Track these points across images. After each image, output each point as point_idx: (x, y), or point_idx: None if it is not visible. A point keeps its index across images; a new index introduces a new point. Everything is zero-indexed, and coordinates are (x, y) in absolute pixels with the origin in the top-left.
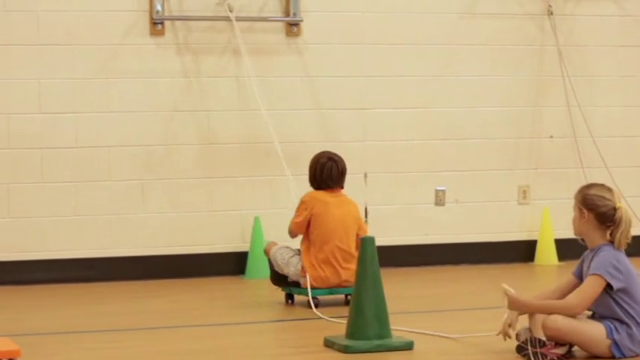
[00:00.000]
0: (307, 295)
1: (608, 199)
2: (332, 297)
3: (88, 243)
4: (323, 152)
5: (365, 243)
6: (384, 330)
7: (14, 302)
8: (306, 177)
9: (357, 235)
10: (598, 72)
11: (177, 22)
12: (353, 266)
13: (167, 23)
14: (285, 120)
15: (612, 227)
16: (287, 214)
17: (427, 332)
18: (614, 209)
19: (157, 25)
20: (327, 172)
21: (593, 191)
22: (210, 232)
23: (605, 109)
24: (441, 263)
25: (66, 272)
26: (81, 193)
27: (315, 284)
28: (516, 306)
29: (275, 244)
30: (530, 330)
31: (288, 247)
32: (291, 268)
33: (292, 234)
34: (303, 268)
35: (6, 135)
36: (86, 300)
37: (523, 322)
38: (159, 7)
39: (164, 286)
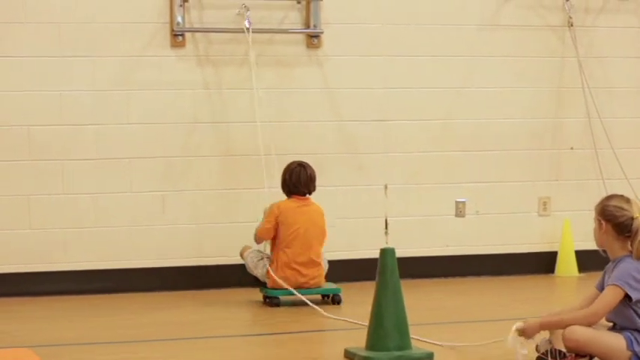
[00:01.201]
0: (268, 295)
1: (626, 210)
2: (293, 297)
3: (108, 254)
4: (294, 161)
5: (385, 254)
6: (404, 341)
7: (34, 313)
8: (325, 189)
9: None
10: (618, 83)
11: (198, 34)
12: (314, 272)
13: (188, 35)
14: (305, 132)
15: (631, 237)
16: None
17: (447, 343)
18: (632, 219)
19: (177, 36)
20: (295, 177)
21: (611, 202)
22: (231, 243)
23: (625, 120)
24: (461, 275)
25: (86, 283)
26: (101, 204)
27: (276, 285)
28: (532, 331)
29: (248, 247)
30: (550, 342)
31: (258, 251)
32: (259, 270)
33: (258, 239)
34: (268, 271)
35: (27, 146)
36: (106, 311)
37: (543, 333)
38: (179, 19)
39: (183, 297)
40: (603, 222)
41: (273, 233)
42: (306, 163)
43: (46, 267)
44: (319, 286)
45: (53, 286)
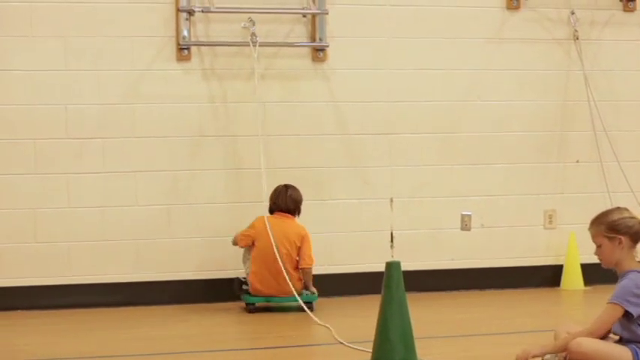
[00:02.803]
0: (246, 302)
1: (633, 217)
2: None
3: (114, 268)
4: (284, 184)
5: (391, 268)
6: (409, 355)
7: (41, 327)
8: (332, 202)
9: (298, 261)
10: (624, 96)
11: (204, 48)
12: (284, 286)
13: (193, 49)
14: (311, 145)
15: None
16: (313, 237)
17: (453, 357)
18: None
19: (183, 50)
20: (275, 195)
21: (615, 216)
22: (237, 257)
23: (631, 133)
24: (466, 288)
25: (92, 297)
26: (107, 217)
27: (252, 291)
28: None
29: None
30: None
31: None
32: (245, 267)
33: (235, 243)
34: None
35: (33, 159)
36: (112, 325)
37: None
38: (185, 33)
39: (190, 310)
40: (620, 237)
41: (249, 242)
42: (292, 185)
43: (52, 280)
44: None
45: (59, 299)
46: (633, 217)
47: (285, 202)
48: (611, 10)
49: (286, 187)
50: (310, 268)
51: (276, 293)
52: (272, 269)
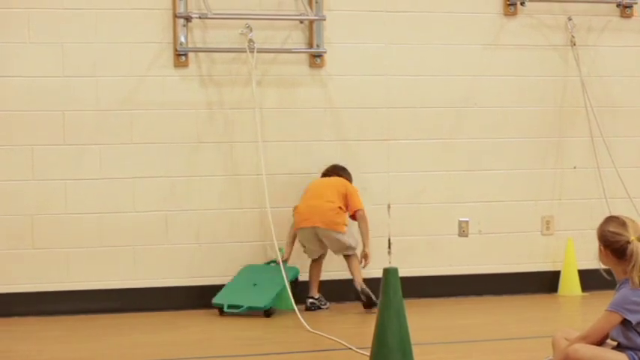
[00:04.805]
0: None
1: (621, 234)
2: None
3: (111, 274)
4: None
5: (388, 274)
6: None
7: (38, 333)
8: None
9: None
10: (621, 102)
11: (201, 54)
12: (331, 217)
13: (191, 55)
14: (309, 151)
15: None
16: None
17: None
18: (627, 243)
19: (180, 56)
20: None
21: (608, 227)
22: (234, 263)
23: (628, 139)
24: (464, 294)
25: (90, 303)
26: (105, 224)
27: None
28: None
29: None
30: None
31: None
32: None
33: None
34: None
35: (30, 166)
36: (110, 331)
37: (548, 353)
38: (183, 39)
39: (187, 317)
40: (602, 247)
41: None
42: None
43: (50, 286)
44: (331, 229)
45: (57, 305)
46: (621, 235)
47: (341, 171)
48: (608, 16)
49: (339, 166)
50: (363, 211)
51: (309, 224)
52: (311, 201)
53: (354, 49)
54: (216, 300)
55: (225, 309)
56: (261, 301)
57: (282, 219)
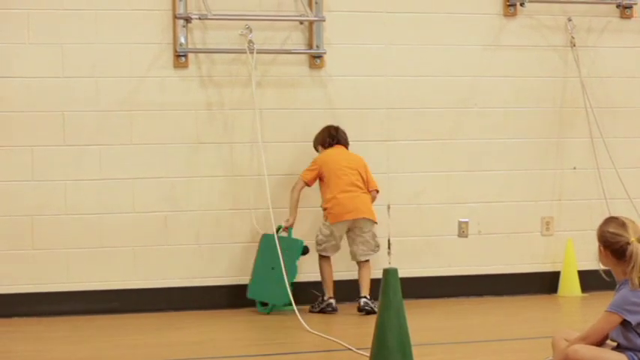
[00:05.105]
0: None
1: (621, 235)
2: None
3: (111, 274)
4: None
5: (388, 274)
6: None
7: (38, 334)
8: None
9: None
10: (621, 103)
11: (201, 55)
12: (362, 205)
13: (191, 56)
14: (309, 152)
15: (626, 262)
16: (311, 245)
17: None
18: (627, 244)
19: (180, 57)
20: (336, 131)
21: (607, 228)
22: (233, 263)
23: (628, 140)
24: (464, 295)
25: (90, 304)
26: (104, 224)
27: (332, 219)
28: None
29: None
30: None
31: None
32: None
33: (296, 189)
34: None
35: (30, 166)
36: (110, 332)
37: (548, 353)
38: (182, 40)
39: (187, 317)
40: (602, 248)
41: (315, 176)
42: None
43: (50, 287)
44: (372, 220)
45: (56, 306)
46: (621, 236)
47: (344, 136)
48: (608, 17)
49: (334, 126)
50: (377, 192)
51: (355, 215)
52: (348, 190)
53: (354, 49)
54: (249, 294)
55: (260, 310)
56: (280, 300)
57: (283, 220)
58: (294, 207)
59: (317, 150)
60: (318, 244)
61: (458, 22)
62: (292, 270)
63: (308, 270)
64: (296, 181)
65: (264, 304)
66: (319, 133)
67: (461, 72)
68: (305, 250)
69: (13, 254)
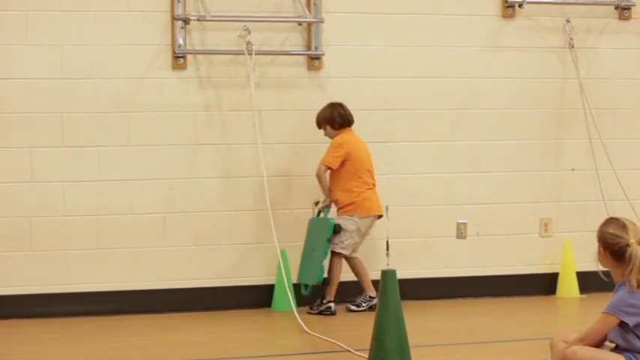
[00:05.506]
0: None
1: (621, 237)
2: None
3: (109, 276)
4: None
5: (386, 276)
6: None
7: (36, 335)
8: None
9: None
10: (619, 104)
11: (199, 56)
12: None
13: (189, 57)
14: (307, 153)
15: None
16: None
17: None
18: (627, 246)
19: (179, 58)
20: (343, 110)
21: (607, 229)
22: (232, 265)
23: (626, 141)
24: (462, 296)
25: (88, 305)
26: (103, 226)
27: (362, 213)
28: None
29: None
30: None
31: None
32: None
33: (321, 174)
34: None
35: (29, 168)
36: (108, 333)
37: (546, 355)
38: (181, 41)
39: (186, 319)
40: (601, 248)
41: (340, 162)
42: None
43: (48, 289)
44: None
45: (54, 307)
46: (621, 237)
47: (351, 115)
48: (607, 18)
49: (339, 103)
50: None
51: (380, 211)
52: (372, 184)
53: (353, 51)
54: (298, 279)
55: (305, 292)
56: (314, 279)
57: (282, 221)
58: (327, 188)
59: (322, 128)
60: (340, 241)
61: (456, 24)
62: (325, 249)
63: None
64: (318, 167)
65: (306, 286)
66: (327, 111)
67: (459, 73)
68: (337, 229)
69: (11, 255)
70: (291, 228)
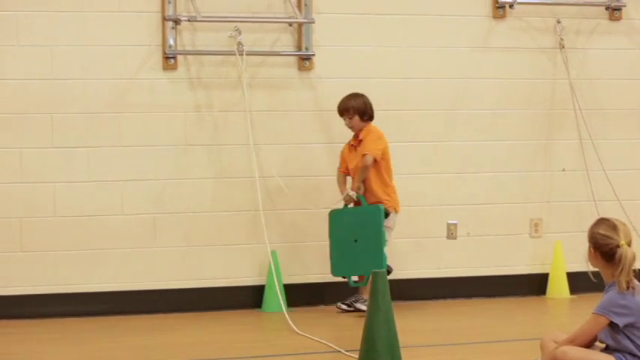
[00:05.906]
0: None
1: (611, 238)
2: None
3: (100, 277)
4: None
5: (377, 277)
6: None
7: (28, 336)
8: (318, 211)
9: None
10: (610, 105)
11: (190, 57)
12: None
13: (180, 58)
14: (298, 154)
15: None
16: (301, 247)
17: None
18: (617, 247)
19: (169, 59)
20: (369, 101)
21: (598, 229)
22: (223, 265)
23: (616, 141)
24: (452, 297)
25: (78, 306)
26: (93, 226)
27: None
28: None
29: None
30: None
31: None
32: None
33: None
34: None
35: (19, 169)
36: (98, 334)
37: (537, 355)
38: (171, 42)
39: (178, 319)
40: (592, 249)
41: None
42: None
43: (38, 289)
44: None
45: (45, 308)
46: (611, 238)
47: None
48: (597, 19)
49: (362, 94)
50: None
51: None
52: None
53: (343, 51)
54: (336, 273)
55: (352, 284)
56: (379, 265)
57: (273, 222)
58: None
59: (345, 117)
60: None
61: (447, 24)
62: (383, 236)
63: (296, 272)
64: (366, 158)
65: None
66: (359, 101)
67: (450, 74)
68: (386, 213)
69: (1, 257)
70: (283, 229)
